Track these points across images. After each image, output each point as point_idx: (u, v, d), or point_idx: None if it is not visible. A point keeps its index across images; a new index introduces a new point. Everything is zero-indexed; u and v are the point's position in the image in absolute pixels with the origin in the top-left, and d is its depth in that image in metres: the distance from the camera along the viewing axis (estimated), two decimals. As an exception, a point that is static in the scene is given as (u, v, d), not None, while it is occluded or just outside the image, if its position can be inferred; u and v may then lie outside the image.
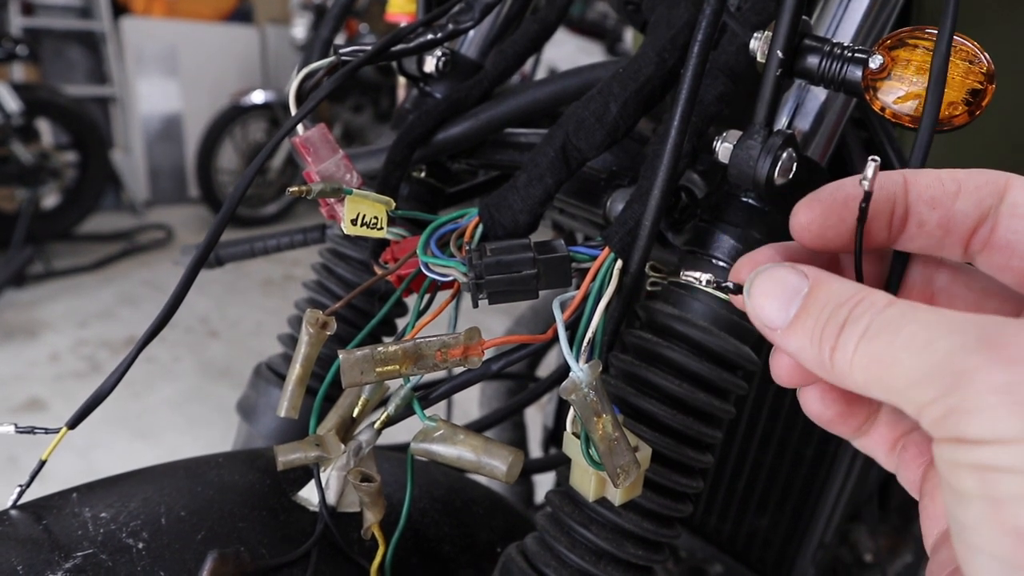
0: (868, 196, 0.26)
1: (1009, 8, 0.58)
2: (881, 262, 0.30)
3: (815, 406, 0.30)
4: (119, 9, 4.49)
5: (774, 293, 0.26)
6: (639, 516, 0.40)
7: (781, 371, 0.29)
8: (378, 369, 0.33)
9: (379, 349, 0.33)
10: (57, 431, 0.39)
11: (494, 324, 2.50)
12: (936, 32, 0.36)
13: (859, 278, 0.27)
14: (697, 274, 0.34)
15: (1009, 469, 0.18)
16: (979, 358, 0.19)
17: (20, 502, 0.40)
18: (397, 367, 0.33)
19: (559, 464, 0.71)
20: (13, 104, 3.37)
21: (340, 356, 0.33)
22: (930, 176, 0.26)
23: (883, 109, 0.37)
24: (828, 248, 0.28)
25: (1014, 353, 0.19)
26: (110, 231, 3.99)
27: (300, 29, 4.00)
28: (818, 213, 0.27)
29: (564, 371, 0.61)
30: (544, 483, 1.18)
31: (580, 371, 0.34)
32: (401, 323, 0.57)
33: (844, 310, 0.23)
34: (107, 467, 2.00)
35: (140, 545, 0.37)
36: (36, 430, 0.40)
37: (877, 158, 0.26)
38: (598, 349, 0.36)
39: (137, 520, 0.38)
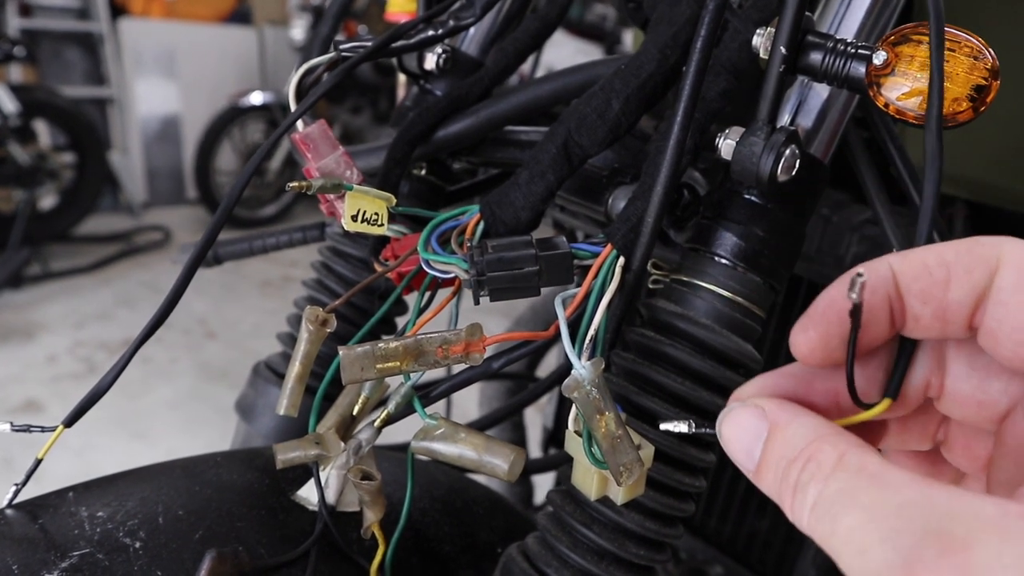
0: (858, 310, 0.24)
1: (1010, 6, 0.58)
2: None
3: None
4: (117, 10, 4.48)
5: (738, 438, 0.25)
6: (641, 515, 0.40)
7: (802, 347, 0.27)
8: (379, 365, 0.33)
9: (380, 345, 0.33)
10: (53, 429, 0.39)
11: (493, 325, 2.48)
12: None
13: (852, 396, 0.26)
14: (676, 425, 0.32)
15: None
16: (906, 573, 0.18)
17: (16, 501, 0.39)
18: (398, 363, 0.33)
19: (559, 464, 0.71)
20: (11, 105, 3.36)
21: (340, 352, 0.32)
22: (916, 264, 0.24)
23: (887, 105, 0.37)
24: (840, 362, 0.26)
25: None
26: (108, 232, 3.99)
27: (298, 30, 4.00)
28: (816, 337, 0.25)
29: (564, 371, 0.61)
30: (543, 484, 1.17)
31: (582, 368, 0.33)
32: (401, 321, 0.57)
33: (795, 470, 0.23)
34: (104, 467, 1.99)
35: (137, 544, 0.36)
36: (32, 428, 0.40)
37: (863, 272, 0.24)
38: (600, 347, 0.36)
39: (134, 519, 0.38)
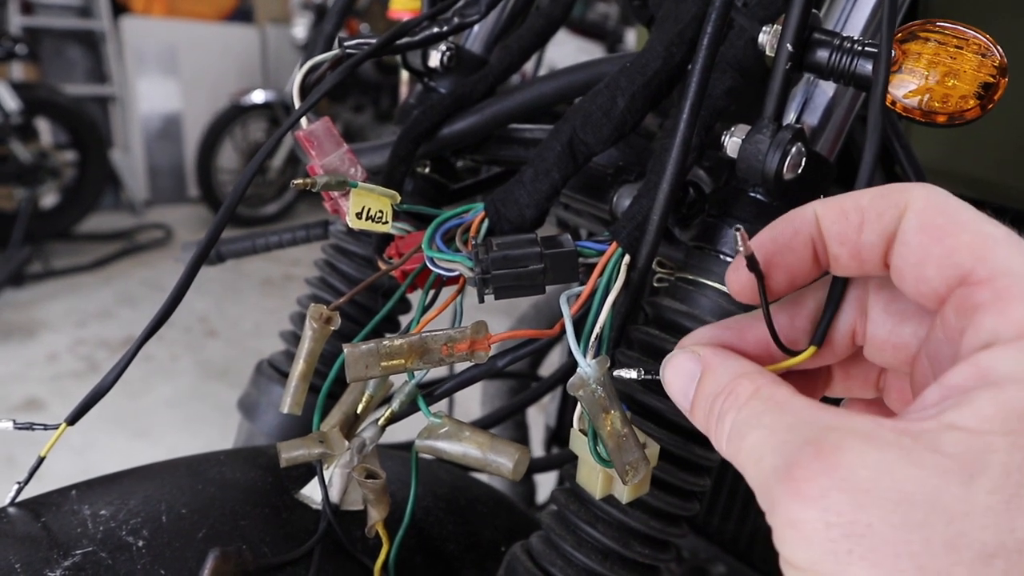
0: (753, 260, 0.27)
1: (1019, 3, 0.58)
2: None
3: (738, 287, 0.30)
4: (119, 8, 4.48)
5: (677, 380, 0.29)
6: (646, 514, 0.40)
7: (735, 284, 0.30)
8: (383, 363, 0.33)
9: (384, 343, 0.33)
10: (56, 428, 0.39)
11: (494, 323, 2.47)
12: (948, 25, 0.35)
13: (773, 336, 0.29)
14: (627, 371, 0.33)
15: None
16: (780, 489, 0.21)
17: (18, 499, 0.39)
18: (403, 361, 0.33)
19: (562, 463, 0.71)
20: (12, 103, 3.36)
21: (345, 349, 0.32)
22: (835, 210, 0.26)
23: (893, 103, 0.36)
24: (773, 295, 0.29)
25: (807, 487, 0.20)
26: (109, 231, 3.99)
27: (300, 29, 4.00)
28: (745, 276, 0.28)
29: (568, 369, 0.60)
30: (545, 482, 1.17)
31: (588, 367, 0.33)
32: (404, 320, 0.57)
33: (718, 402, 0.26)
34: (105, 466, 1.99)
35: (140, 543, 0.36)
36: (35, 426, 0.40)
37: (740, 226, 0.27)
38: (605, 345, 0.36)
39: (137, 518, 0.37)
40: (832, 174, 0.43)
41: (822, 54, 0.38)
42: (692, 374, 0.28)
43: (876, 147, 0.32)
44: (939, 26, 0.35)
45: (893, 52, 0.35)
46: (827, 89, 0.42)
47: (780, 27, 0.38)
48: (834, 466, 0.20)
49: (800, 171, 0.38)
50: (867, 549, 0.19)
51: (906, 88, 0.36)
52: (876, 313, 0.28)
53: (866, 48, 0.37)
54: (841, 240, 0.26)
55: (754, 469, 0.23)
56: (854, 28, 0.41)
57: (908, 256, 0.24)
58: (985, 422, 0.20)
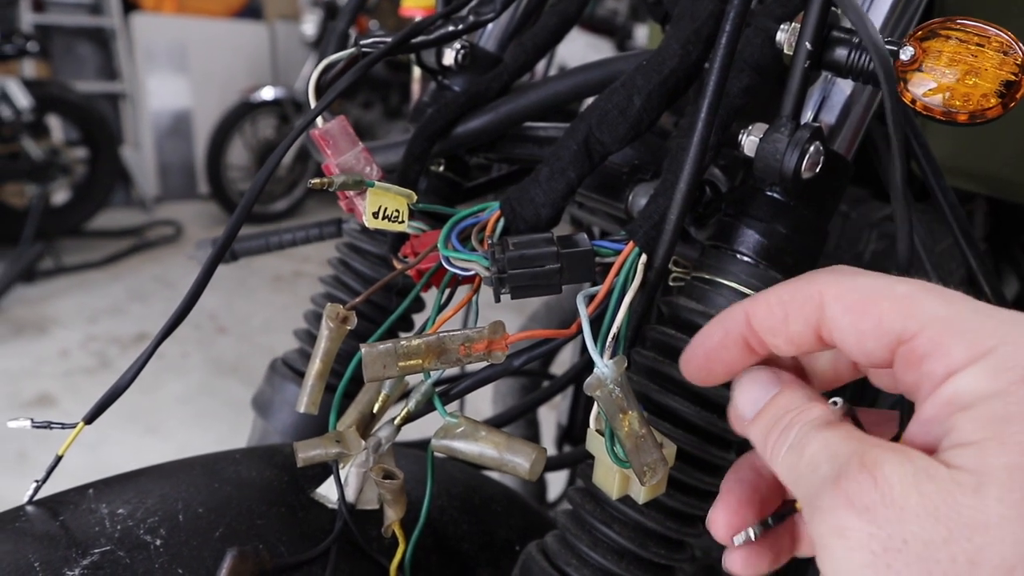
0: None
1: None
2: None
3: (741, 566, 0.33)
4: (129, 6, 4.50)
5: (751, 390, 0.31)
6: (662, 514, 0.40)
7: (719, 529, 0.33)
8: (400, 363, 0.33)
9: (402, 343, 0.33)
10: (73, 426, 0.39)
11: (505, 321, 2.46)
12: (970, 23, 0.35)
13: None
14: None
15: None
16: (831, 496, 0.23)
17: (36, 498, 0.39)
18: (420, 361, 0.33)
19: (575, 462, 0.71)
20: (24, 100, 3.38)
21: (362, 349, 0.32)
22: (762, 307, 0.29)
23: (914, 101, 0.36)
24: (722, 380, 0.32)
25: (855, 497, 0.22)
26: (120, 227, 4.01)
27: (310, 25, 4.00)
28: (695, 367, 0.32)
29: (581, 368, 0.60)
30: (556, 481, 1.17)
31: (605, 367, 0.33)
32: (418, 318, 0.57)
33: (788, 416, 0.28)
34: (117, 462, 2.01)
35: (158, 542, 0.36)
36: (52, 425, 0.40)
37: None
38: (622, 345, 0.35)
39: (155, 517, 0.38)
40: (850, 173, 0.42)
41: (841, 52, 0.37)
42: (768, 388, 0.30)
43: (903, 162, 0.32)
44: (960, 23, 0.35)
45: (913, 50, 0.35)
46: (845, 87, 0.41)
47: (798, 25, 0.38)
48: (878, 479, 0.22)
49: (818, 170, 0.38)
50: (904, 564, 0.21)
51: (926, 86, 0.35)
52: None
53: (886, 46, 0.36)
54: (773, 332, 0.29)
55: (812, 475, 0.25)
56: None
57: (846, 337, 0.27)
58: (973, 435, 0.22)
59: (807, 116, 0.41)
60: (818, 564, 0.23)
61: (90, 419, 0.39)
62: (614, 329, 0.34)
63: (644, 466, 0.33)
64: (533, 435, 1.03)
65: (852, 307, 0.27)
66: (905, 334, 0.25)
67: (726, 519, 0.32)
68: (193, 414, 2.35)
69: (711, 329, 0.31)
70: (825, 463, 0.25)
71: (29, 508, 0.38)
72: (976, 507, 0.21)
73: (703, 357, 0.32)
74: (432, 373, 0.38)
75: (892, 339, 0.25)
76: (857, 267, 0.28)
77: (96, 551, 0.35)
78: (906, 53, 0.36)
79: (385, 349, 0.32)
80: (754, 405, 0.30)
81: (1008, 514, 0.20)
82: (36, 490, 0.39)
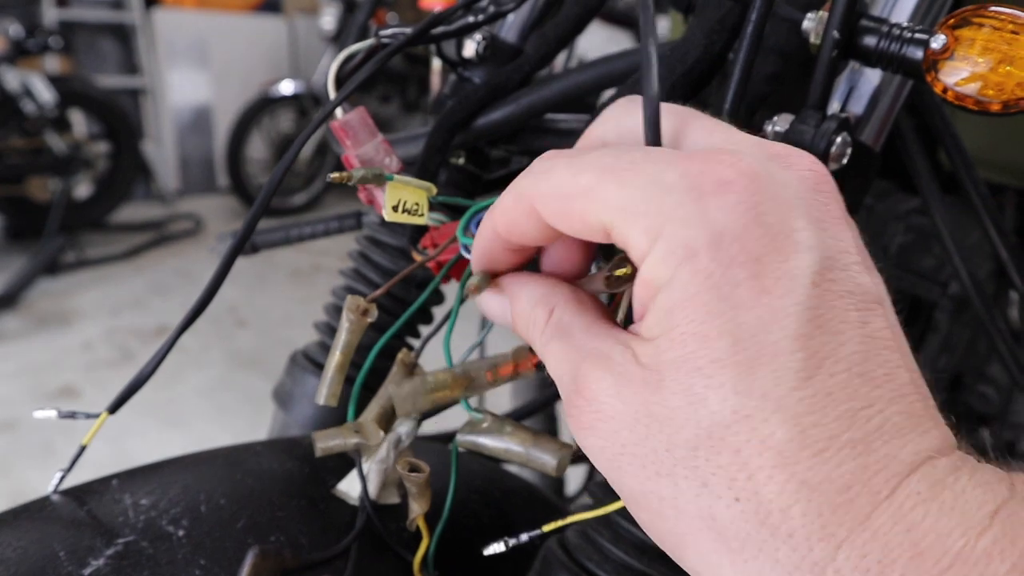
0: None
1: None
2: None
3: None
4: (150, 1, 4.53)
5: (495, 313, 0.31)
6: (685, 510, 0.39)
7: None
8: (430, 396, 0.33)
9: (428, 379, 0.33)
10: (97, 416, 0.39)
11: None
12: (1004, 11, 0.34)
13: None
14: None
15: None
16: (570, 421, 0.25)
17: (61, 487, 0.40)
18: (448, 392, 0.33)
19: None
20: (47, 95, 3.41)
21: (391, 390, 0.32)
22: (502, 223, 0.28)
23: (945, 91, 0.35)
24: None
25: (578, 422, 0.25)
26: (141, 221, 4.04)
27: (329, 20, 4.00)
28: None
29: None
30: (575, 475, 1.17)
31: None
32: (437, 311, 0.57)
33: (528, 329, 0.29)
34: (138, 454, 2.03)
35: (180, 533, 0.36)
36: (77, 415, 0.40)
37: None
38: None
39: (177, 507, 0.38)
40: (877, 164, 0.42)
41: (869, 41, 0.37)
42: (503, 305, 0.30)
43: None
44: (994, 11, 0.34)
45: (945, 38, 0.34)
46: (872, 77, 0.41)
47: (826, 13, 0.37)
48: (589, 399, 0.24)
49: (844, 161, 0.37)
50: (627, 463, 0.23)
51: (958, 75, 0.35)
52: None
53: (916, 35, 0.36)
54: (525, 241, 0.28)
55: (562, 398, 0.26)
56: (901, 14, 0.39)
57: (576, 236, 0.26)
58: (653, 329, 0.23)
59: (834, 106, 0.41)
60: None
61: (113, 409, 0.39)
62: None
63: None
64: (552, 429, 1.03)
65: (557, 213, 0.26)
66: (605, 227, 0.24)
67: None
68: (213, 407, 2.37)
69: (477, 248, 0.31)
70: (561, 386, 0.26)
71: (54, 498, 0.39)
72: (660, 403, 0.22)
73: (486, 264, 0.31)
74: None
75: (602, 231, 0.25)
76: (566, 158, 0.27)
77: (120, 541, 0.35)
78: (938, 42, 0.35)
79: (412, 387, 0.32)
80: (506, 321, 0.30)
81: (681, 404, 0.22)
82: (61, 479, 0.40)
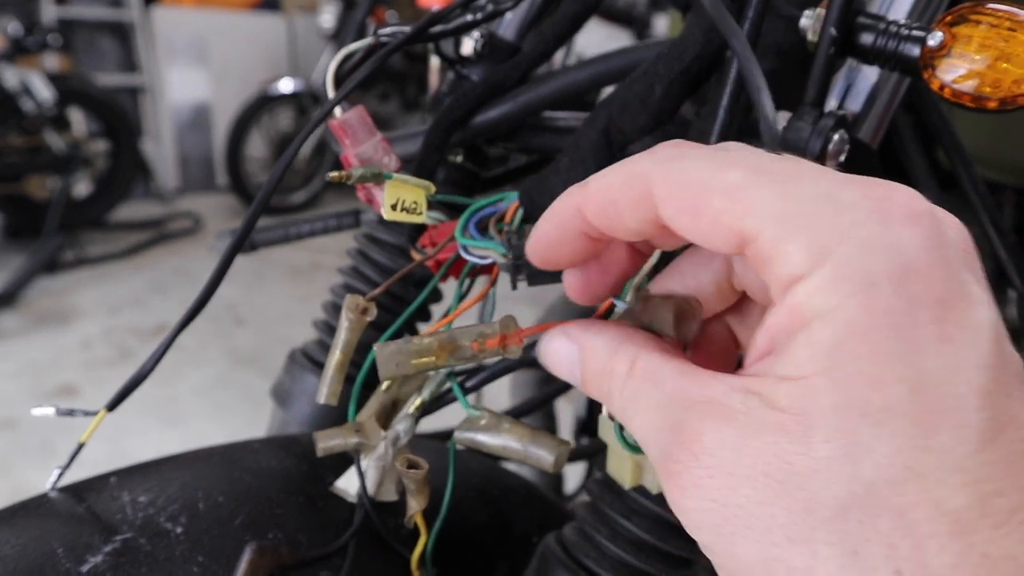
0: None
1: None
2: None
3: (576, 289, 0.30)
4: (149, -1, 4.53)
5: (561, 367, 0.28)
6: (682, 507, 0.39)
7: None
8: (414, 361, 0.33)
9: (414, 340, 0.33)
10: (95, 414, 0.39)
11: (524, 317, 2.45)
12: (1001, 8, 0.34)
13: None
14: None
15: (720, 571, 0.21)
16: (664, 481, 0.22)
17: (59, 485, 0.40)
18: (433, 359, 0.33)
19: (592, 453, 0.70)
20: (46, 93, 3.41)
21: (375, 347, 0.32)
22: (594, 204, 0.25)
23: (942, 88, 0.35)
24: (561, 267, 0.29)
25: (681, 480, 0.21)
26: (140, 219, 4.04)
27: (328, 18, 4.00)
28: (537, 259, 0.29)
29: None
30: (573, 473, 1.17)
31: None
32: (436, 309, 0.57)
33: (605, 383, 0.25)
34: (137, 452, 2.03)
35: (179, 530, 0.37)
36: (75, 412, 0.40)
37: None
38: None
39: (175, 504, 0.38)
40: (875, 162, 0.42)
41: (867, 38, 0.37)
42: (571, 356, 0.27)
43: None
44: (991, 8, 0.34)
45: (942, 35, 0.34)
46: (870, 74, 0.41)
47: (823, 11, 0.37)
48: (698, 453, 0.21)
49: (842, 159, 0.37)
50: (744, 528, 0.20)
51: (956, 73, 0.35)
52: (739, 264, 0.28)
53: (913, 32, 0.36)
54: (611, 229, 0.26)
55: (648, 451, 0.23)
56: (899, 11, 0.40)
57: (692, 237, 0.23)
58: (803, 366, 0.20)
59: (831, 104, 0.41)
60: None
61: (112, 406, 0.39)
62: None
63: None
64: (551, 427, 1.03)
65: (684, 207, 0.23)
66: (746, 234, 0.21)
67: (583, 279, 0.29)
68: (212, 405, 2.37)
69: (546, 227, 0.28)
70: (652, 442, 0.23)
71: (52, 494, 0.39)
72: (804, 453, 0.19)
73: (544, 250, 0.28)
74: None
75: (736, 239, 0.22)
76: (705, 149, 0.24)
77: (118, 538, 0.35)
78: (935, 39, 0.35)
79: (396, 347, 0.31)
80: (574, 376, 0.27)
81: (835, 455, 0.19)
82: (59, 477, 0.40)
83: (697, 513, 0.21)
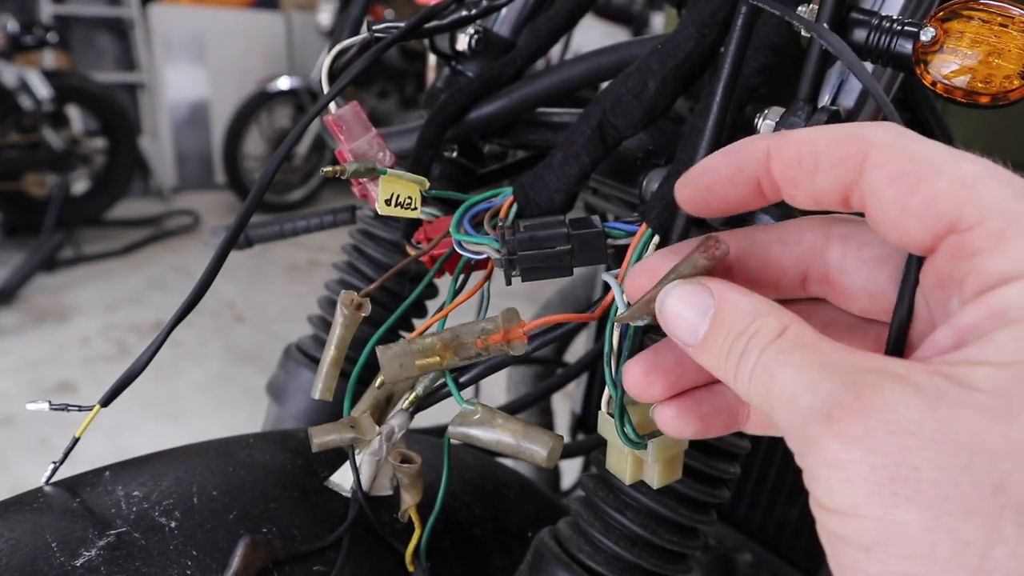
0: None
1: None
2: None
3: (674, 423, 0.30)
4: (147, -4, 4.53)
5: (683, 314, 0.26)
6: (676, 501, 0.39)
7: (635, 384, 0.30)
8: (418, 362, 0.33)
9: (416, 341, 0.33)
10: (90, 409, 0.39)
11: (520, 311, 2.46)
12: (993, 3, 0.34)
13: None
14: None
15: (844, 538, 0.20)
16: (819, 428, 0.20)
17: (53, 479, 0.40)
18: (437, 359, 0.33)
19: (588, 449, 0.70)
20: (44, 91, 3.40)
21: (377, 351, 0.32)
22: (789, 152, 0.25)
23: (934, 83, 0.35)
24: (718, 213, 0.28)
25: (850, 427, 0.20)
26: (138, 217, 4.04)
27: (326, 15, 4.00)
28: (689, 194, 0.28)
29: (595, 355, 0.60)
30: (570, 469, 1.17)
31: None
32: (431, 305, 0.57)
33: (742, 340, 0.24)
34: (135, 448, 2.02)
35: (172, 524, 0.37)
36: (69, 407, 0.40)
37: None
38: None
39: (169, 499, 0.38)
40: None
41: (860, 34, 0.37)
42: (704, 308, 0.26)
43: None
44: (983, 4, 0.34)
45: (935, 31, 0.34)
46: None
47: (816, 7, 0.38)
48: (878, 407, 0.20)
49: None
50: (914, 491, 0.19)
51: (948, 68, 0.35)
52: (850, 262, 0.28)
53: (906, 27, 0.36)
54: (794, 184, 0.25)
55: (788, 411, 0.22)
56: (892, 7, 0.40)
57: (884, 211, 0.23)
58: (1014, 354, 0.20)
59: (824, 99, 0.41)
60: (811, 493, 0.21)
61: (106, 402, 0.39)
62: (623, 305, 0.34)
63: None
64: (547, 423, 1.03)
65: (900, 178, 0.22)
66: (960, 223, 0.21)
67: (642, 371, 0.29)
68: (211, 401, 2.37)
69: (721, 160, 0.27)
70: (803, 394, 0.21)
71: (47, 489, 0.39)
72: (1004, 433, 0.19)
73: (703, 188, 0.27)
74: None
75: (942, 225, 0.22)
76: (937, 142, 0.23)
77: (112, 532, 0.35)
78: (927, 34, 0.35)
79: (400, 348, 0.32)
80: (694, 331, 0.26)
81: None
82: (53, 471, 0.40)
83: (856, 466, 0.20)
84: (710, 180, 0.27)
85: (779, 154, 0.25)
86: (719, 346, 0.25)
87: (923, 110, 0.47)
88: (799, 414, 0.21)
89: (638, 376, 0.30)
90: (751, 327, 0.24)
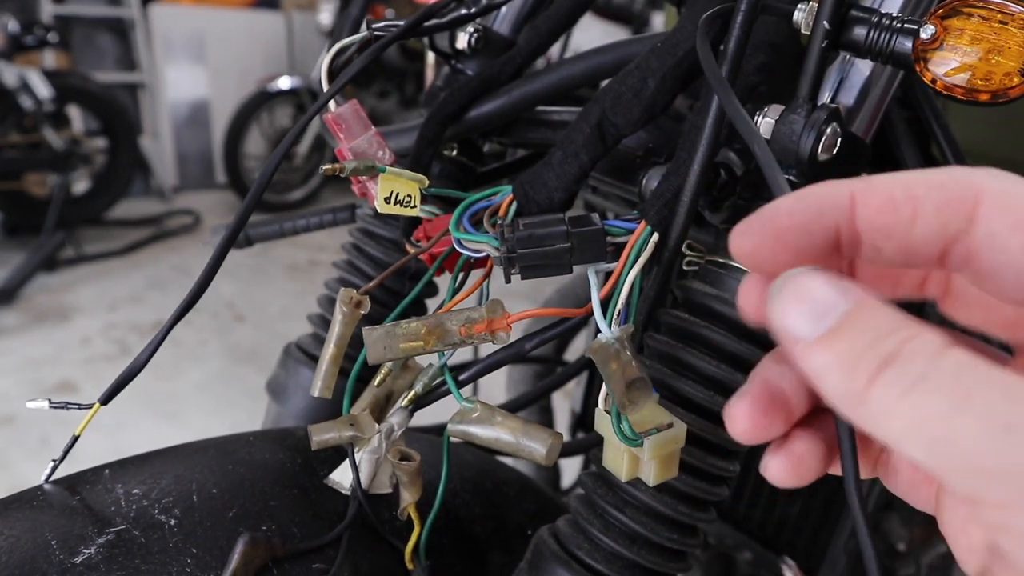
0: None
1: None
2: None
3: (783, 475, 0.27)
4: (147, -4, 4.53)
5: (806, 302, 0.22)
6: (675, 499, 0.39)
7: (739, 424, 0.26)
8: (402, 345, 0.33)
9: (401, 324, 0.33)
10: (90, 407, 0.39)
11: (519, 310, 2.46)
12: (992, 0, 0.34)
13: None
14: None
15: None
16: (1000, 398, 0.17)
17: (53, 477, 0.40)
18: (421, 343, 0.33)
19: (588, 448, 0.70)
20: (44, 91, 3.40)
21: (363, 332, 0.32)
22: (881, 198, 0.22)
23: (934, 81, 0.35)
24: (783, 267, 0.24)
25: None
26: (139, 216, 4.04)
27: (326, 15, 4.00)
28: (750, 244, 0.24)
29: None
30: (570, 468, 1.17)
31: (609, 333, 0.32)
32: (431, 303, 0.57)
33: (891, 342, 0.20)
34: (135, 447, 2.02)
35: (172, 522, 0.37)
36: (69, 405, 0.40)
37: None
38: (633, 315, 0.35)
39: (169, 497, 0.38)
40: (868, 155, 0.42)
41: (859, 32, 0.37)
42: (834, 304, 0.21)
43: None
44: (982, 1, 0.34)
45: (934, 28, 0.34)
46: (863, 68, 0.41)
47: (816, 4, 0.38)
48: None
49: (835, 152, 0.38)
50: None
51: (947, 66, 0.35)
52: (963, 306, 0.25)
53: (906, 25, 0.36)
54: (887, 234, 0.22)
55: (991, 443, 0.18)
56: (892, 5, 0.40)
57: (1005, 262, 0.21)
58: None
59: (824, 97, 0.41)
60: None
61: (105, 400, 0.39)
62: (621, 300, 0.34)
63: (625, 399, 0.31)
64: (547, 422, 1.03)
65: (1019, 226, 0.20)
66: None
67: (748, 413, 0.25)
68: (211, 401, 2.37)
69: (797, 205, 0.23)
70: (985, 445, 0.18)
71: (47, 487, 0.39)
72: None
73: (771, 236, 0.23)
74: (444, 355, 0.38)
75: None
76: None
77: (112, 530, 0.35)
78: (927, 32, 0.35)
79: (385, 331, 0.32)
80: (816, 321, 0.21)
81: None
82: (53, 469, 0.40)
83: None
84: (781, 227, 0.23)
85: (867, 200, 0.22)
86: (847, 345, 0.20)
87: (923, 108, 0.47)
88: (971, 467, 0.18)
89: (743, 416, 0.26)
90: (902, 332, 0.20)
